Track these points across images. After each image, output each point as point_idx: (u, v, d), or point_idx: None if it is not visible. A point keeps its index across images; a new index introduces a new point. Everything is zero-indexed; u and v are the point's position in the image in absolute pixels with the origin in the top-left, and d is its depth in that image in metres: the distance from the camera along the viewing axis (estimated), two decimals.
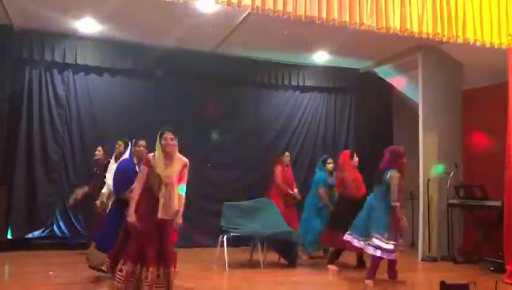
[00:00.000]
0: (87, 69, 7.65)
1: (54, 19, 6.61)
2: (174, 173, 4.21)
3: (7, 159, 7.11)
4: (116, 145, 6.29)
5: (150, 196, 4.14)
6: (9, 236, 7.09)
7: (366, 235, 5.31)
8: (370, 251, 5.24)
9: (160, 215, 4.08)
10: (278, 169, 7.33)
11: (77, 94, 7.61)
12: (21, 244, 7.03)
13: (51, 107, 7.45)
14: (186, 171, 4.32)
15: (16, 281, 5.39)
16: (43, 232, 7.26)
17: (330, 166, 6.86)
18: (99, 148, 6.79)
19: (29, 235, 7.18)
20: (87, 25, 6.88)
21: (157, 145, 4.22)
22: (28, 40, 7.18)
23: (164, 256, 4.12)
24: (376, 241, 5.17)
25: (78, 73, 7.63)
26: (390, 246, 5.14)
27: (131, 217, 4.07)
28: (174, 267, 4.18)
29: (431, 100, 7.36)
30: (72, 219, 7.39)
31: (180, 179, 4.28)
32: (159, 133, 4.24)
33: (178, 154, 4.29)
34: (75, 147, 7.53)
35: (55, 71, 7.51)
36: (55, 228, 7.32)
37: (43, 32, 7.14)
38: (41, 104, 7.40)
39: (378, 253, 5.17)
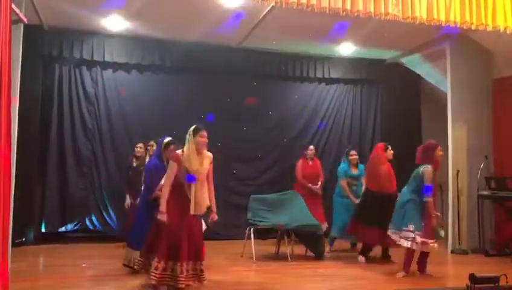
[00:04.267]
0: (115, 66, 7.79)
1: (82, 17, 6.76)
2: (205, 169, 4.26)
3: (41, 154, 7.34)
4: (149, 147, 6.40)
5: (180, 192, 4.18)
6: (43, 229, 7.33)
7: (400, 229, 5.28)
8: (403, 243, 5.21)
9: (192, 211, 4.14)
10: (299, 163, 7.43)
11: (105, 90, 7.76)
12: (54, 237, 7.26)
13: (81, 103, 7.63)
14: (211, 166, 4.35)
15: (50, 273, 5.57)
16: (75, 225, 7.47)
17: (354, 158, 6.82)
18: (140, 144, 6.89)
19: (62, 229, 7.41)
20: (114, 23, 6.99)
21: (190, 140, 4.23)
22: (57, 39, 7.36)
23: (196, 250, 4.18)
24: (410, 234, 5.15)
25: (106, 69, 7.79)
26: (423, 239, 5.12)
27: (163, 215, 4.11)
28: (203, 259, 4.25)
29: (460, 90, 7.21)
30: (103, 212, 7.57)
31: (208, 174, 4.32)
32: (194, 128, 4.26)
33: (205, 151, 4.33)
34: (105, 142, 7.69)
35: (83, 68, 7.69)
36: (87, 221, 7.51)
37: (71, 30, 7.31)
38: (71, 101, 7.59)
39: (412, 245, 5.15)
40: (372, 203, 6.03)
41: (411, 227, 5.16)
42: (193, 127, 4.30)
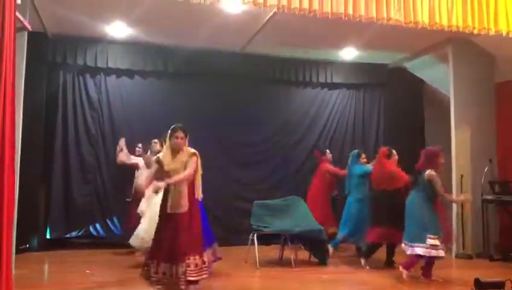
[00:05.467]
0: (119, 72, 7.82)
1: (86, 25, 6.79)
2: (182, 165, 4.28)
3: (45, 161, 7.36)
4: (153, 143, 6.43)
5: (164, 192, 4.28)
6: (47, 236, 7.35)
7: (416, 239, 5.24)
8: (420, 252, 5.18)
9: (169, 209, 4.17)
10: (330, 166, 7.56)
11: (109, 97, 7.79)
12: (58, 244, 7.27)
13: (84, 110, 7.66)
14: (194, 159, 4.34)
15: (54, 279, 5.58)
16: (79, 232, 7.48)
17: (364, 161, 6.81)
18: (156, 140, 6.81)
19: (67, 235, 7.42)
20: (118, 29, 7.03)
21: (167, 141, 4.38)
22: (61, 46, 7.40)
23: (174, 251, 4.14)
24: (431, 241, 5.14)
25: (109, 76, 7.82)
26: (441, 244, 5.17)
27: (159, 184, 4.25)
28: (182, 261, 4.16)
29: (463, 94, 7.20)
30: (107, 219, 7.57)
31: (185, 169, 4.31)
32: (170, 129, 4.38)
33: (186, 148, 4.37)
34: (108, 149, 7.70)
35: (87, 75, 7.72)
36: (91, 228, 7.53)
37: (75, 37, 7.34)
38: (75, 107, 7.61)
39: (432, 253, 5.15)
40: (377, 204, 6.01)
41: (432, 234, 5.15)
42: (171, 127, 4.37)
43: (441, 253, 5.20)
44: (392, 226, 5.66)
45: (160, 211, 4.33)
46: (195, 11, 5.74)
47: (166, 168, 4.28)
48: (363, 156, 6.85)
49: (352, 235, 6.56)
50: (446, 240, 5.31)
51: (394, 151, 6.22)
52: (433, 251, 5.14)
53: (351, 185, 6.71)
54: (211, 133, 7.75)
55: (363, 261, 6.11)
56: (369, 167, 6.59)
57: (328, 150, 7.77)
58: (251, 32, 7.10)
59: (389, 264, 6.17)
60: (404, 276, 5.33)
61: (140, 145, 7.13)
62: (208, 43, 7.47)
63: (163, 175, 4.26)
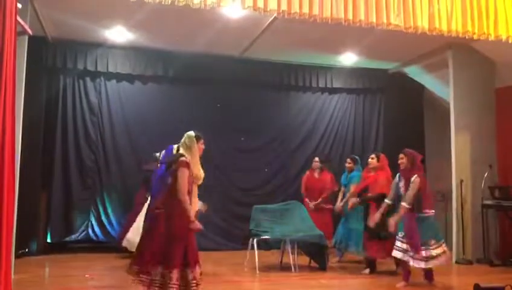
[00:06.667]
0: (119, 77, 7.84)
1: (86, 29, 6.81)
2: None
3: (45, 165, 7.36)
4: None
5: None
6: (48, 240, 7.34)
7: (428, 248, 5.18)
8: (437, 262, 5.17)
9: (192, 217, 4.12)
10: (305, 175, 7.46)
11: (109, 101, 7.80)
12: (57, 248, 7.27)
13: (84, 114, 7.66)
14: None
15: (53, 284, 5.56)
16: (78, 235, 7.47)
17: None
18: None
19: (67, 239, 7.41)
20: (118, 34, 7.04)
21: (194, 147, 4.19)
22: (61, 50, 7.41)
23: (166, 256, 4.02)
24: (437, 251, 5.13)
25: (109, 80, 7.83)
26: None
27: (195, 224, 4.03)
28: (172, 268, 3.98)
29: (462, 99, 7.21)
30: (106, 223, 7.56)
31: None
32: (195, 135, 4.21)
33: None
34: (108, 153, 7.71)
35: (87, 79, 7.73)
36: (90, 232, 7.51)
37: (75, 42, 7.36)
38: (75, 111, 7.62)
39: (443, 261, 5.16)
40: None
41: (437, 241, 5.16)
42: (192, 133, 4.25)
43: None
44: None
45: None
46: (195, 16, 5.75)
47: (200, 173, 4.20)
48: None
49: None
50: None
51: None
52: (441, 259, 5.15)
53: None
54: (210, 138, 7.73)
55: (366, 270, 6.06)
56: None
57: (317, 158, 7.55)
58: (251, 37, 7.11)
59: (397, 265, 6.09)
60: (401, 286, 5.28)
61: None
62: (207, 48, 7.48)
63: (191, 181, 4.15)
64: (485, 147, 7.21)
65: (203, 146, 4.27)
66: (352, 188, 6.47)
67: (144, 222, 5.70)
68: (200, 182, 4.24)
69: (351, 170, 6.79)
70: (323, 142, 8.72)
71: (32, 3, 5.76)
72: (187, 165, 4.10)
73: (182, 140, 4.22)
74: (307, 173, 7.47)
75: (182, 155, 4.13)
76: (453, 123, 7.22)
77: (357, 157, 6.99)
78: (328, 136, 8.77)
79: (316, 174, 7.39)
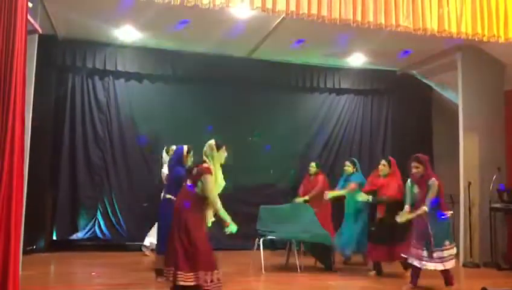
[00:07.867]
0: (127, 76, 7.87)
1: (95, 28, 6.85)
2: None
3: (53, 163, 7.41)
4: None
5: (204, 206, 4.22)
6: (54, 237, 7.38)
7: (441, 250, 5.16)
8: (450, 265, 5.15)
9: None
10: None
11: (117, 100, 7.84)
12: (65, 245, 7.30)
13: (93, 112, 7.71)
14: None
15: (59, 281, 5.60)
16: (85, 234, 7.51)
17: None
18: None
19: (73, 237, 7.44)
20: (127, 33, 7.07)
21: (215, 155, 4.24)
22: (71, 49, 7.46)
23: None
24: (450, 252, 5.11)
25: (118, 79, 7.87)
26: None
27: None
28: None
29: (471, 101, 7.17)
30: (113, 220, 7.59)
31: None
32: (216, 143, 4.27)
33: None
34: (116, 151, 7.75)
35: (96, 78, 7.78)
36: (97, 229, 7.54)
37: (85, 40, 7.41)
38: (84, 110, 7.67)
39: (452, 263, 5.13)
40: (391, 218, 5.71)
41: (450, 243, 5.13)
42: (212, 142, 4.29)
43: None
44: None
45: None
46: (203, 16, 5.77)
47: (221, 182, 4.26)
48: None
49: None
50: None
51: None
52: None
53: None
54: (218, 137, 7.72)
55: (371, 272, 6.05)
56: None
57: (313, 163, 7.58)
58: (259, 38, 7.11)
59: (405, 268, 6.08)
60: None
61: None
62: (216, 48, 7.50)
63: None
64: (493, 149, 7.16)
65: (225, 153, 4.29)
66: (352, 185, 6.47)
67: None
68: (220, 190, 4.24)
69: (349, 173, 6.75)
70: (331, 143, 8.71)
71: (43, 2, 5.81)
72: (209, 170, 4.15)
73: (204, 149, 4.29)
74: (306, 176, 7.57)
75: (204, 161, 4.20)
76: (461, 125, 7.18)
77: (355, 160, 6.97)
78: (336, 137, 8.75)
79: (312, 178, 7.49)
